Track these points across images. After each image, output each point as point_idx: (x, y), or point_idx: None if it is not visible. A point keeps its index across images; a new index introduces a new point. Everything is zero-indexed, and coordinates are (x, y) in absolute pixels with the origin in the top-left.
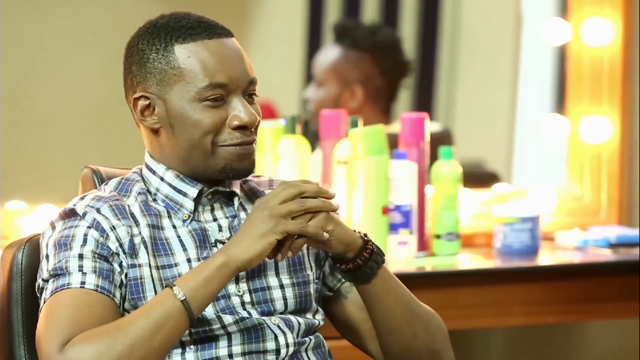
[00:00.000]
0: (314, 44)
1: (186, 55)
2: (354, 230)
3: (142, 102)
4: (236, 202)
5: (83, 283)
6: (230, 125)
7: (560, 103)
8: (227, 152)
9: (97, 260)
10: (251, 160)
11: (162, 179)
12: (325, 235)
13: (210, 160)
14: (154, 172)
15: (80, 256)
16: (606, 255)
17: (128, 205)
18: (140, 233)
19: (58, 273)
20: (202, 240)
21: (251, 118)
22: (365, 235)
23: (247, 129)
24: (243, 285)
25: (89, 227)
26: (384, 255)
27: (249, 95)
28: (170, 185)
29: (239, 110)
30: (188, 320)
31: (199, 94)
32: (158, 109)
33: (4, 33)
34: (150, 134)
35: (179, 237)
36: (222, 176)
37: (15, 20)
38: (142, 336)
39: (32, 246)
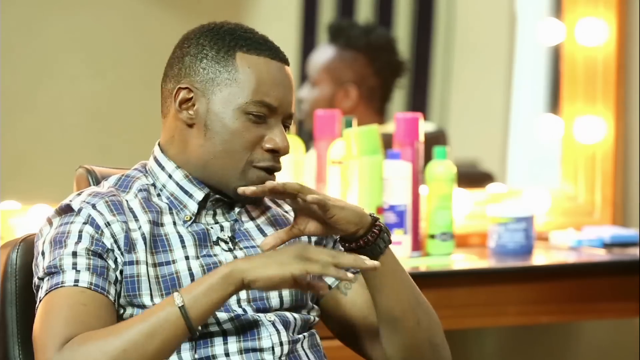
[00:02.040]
0: (308, 44)
1: (246, 65)
2: (361, 208)
3: (184, 94)
4: (237, 209)
5: (77, 281)
6: (264, 146)
7: (554, 103)
8: (256, 175)
9: (91, 257)
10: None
11: (170, 176)
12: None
13: (233, 176)
14: (162, 168)
15: (74, 254)
16: (600, 255)
17: (126, 201)
18: (139, 229)
19: (52, 271)
20: (203, 238)
21: (284, 145)
22: (372, 213)
23: (278, 154)
24: None
25: (84, 223)
26: (390, 234)
27: (284, 126)
28: (177, 184)
29: (276, 134)
30: (186, 328)
31: (246, 106)
32: (199, 105)
33: (2, 34)
34: (179, 126)
35: (178, 233)
36: (234, 195)
37: (13, 21)
38: (135, 341)
39: (27, 246)
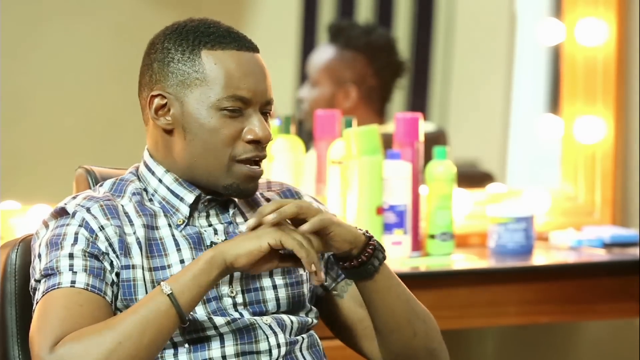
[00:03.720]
0: (308, 44)
1: (212, 62)
2: (356, 227)
3: (158, 101)
4: (231, 210)
5: (73, 282)
6: (245, 138)
7: (554, 103)
8: (240, 170)
9: (88, 259)
10: (256, 184)
11: (160, 180)
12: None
13: (219, 174)
14: (152, 173)
15: (71, 255)
16: (600, 255)
17: (122, 205)
18: (134, 233)
19: (49, 273)
20: (197, 242)
21: (265, 134)
22: (367, 231)
23: (260, 144)
24: (236, 286)
25: (79, 226)
26: (384, 252)
27: (263, 113)
28: (168, 188)
29: (254, 124)
30: (177, 316)
31: (219, 103)
32: (174, 110)
33: (3, 35)
34: (160, 133)
35: (173, 236)
36: (224, 192)
37: (13, 23)
38: (130, 333)
39: (26, 246)
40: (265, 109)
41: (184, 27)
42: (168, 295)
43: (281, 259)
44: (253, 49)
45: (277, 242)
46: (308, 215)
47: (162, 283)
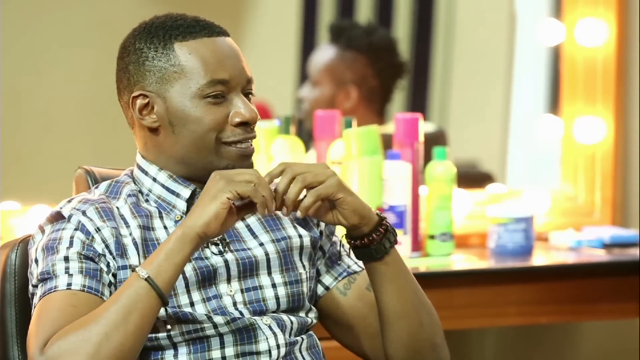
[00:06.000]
0: (308, 44)
1: (187, 52)
2: (370, 207)
3: (140, 101)
4: None
5: (69, 284)
6: (232, 122)
7: (554, 103)
8: (230, 151)
9: (84, 261)
10: (251, 162)
11: (154, 179)
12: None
13: (212, 159)
14: (146, 173)
15: (66, 258)
16: (600, 255)
17: (117, 207)
18: (130, 234)
19: (45, 277)
20: None
21: (252, 114)
22: (381, 213)
23: (248, 125)
24: (235, 285)
25: (75, 230)
26: (396, 235)
27: (246, 94)
28: (162, 186)
29: (239, 107)
30: (158, 298)
31: (201, 91)
32: (157, 107)
33: (2, 34)
34: (147, 133)
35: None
36: None
37: (13, 21)
38: (114, 322)
39: (26, 246)
40: (247, 89)
41: (151, 25)
42: (145, 279)
43: (238, 209)
44: (224, 33)
45: (234, 194)
46: (314, 183)
47: (137, 268)
